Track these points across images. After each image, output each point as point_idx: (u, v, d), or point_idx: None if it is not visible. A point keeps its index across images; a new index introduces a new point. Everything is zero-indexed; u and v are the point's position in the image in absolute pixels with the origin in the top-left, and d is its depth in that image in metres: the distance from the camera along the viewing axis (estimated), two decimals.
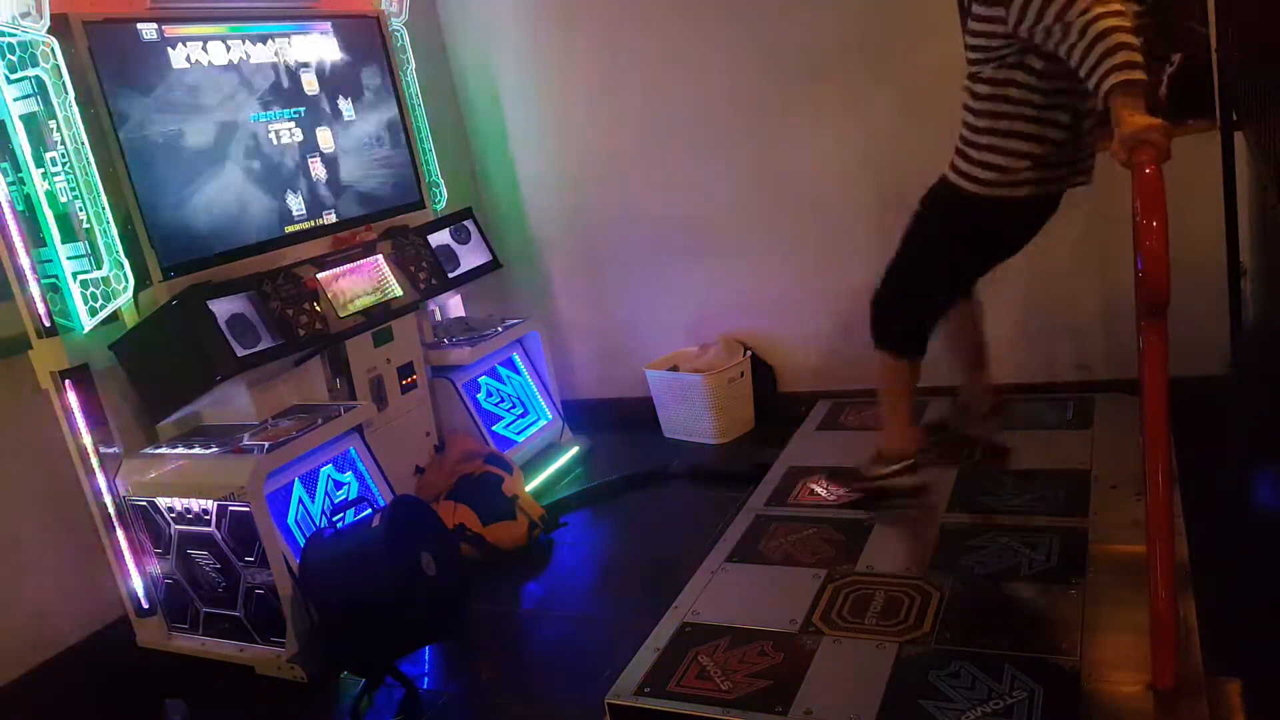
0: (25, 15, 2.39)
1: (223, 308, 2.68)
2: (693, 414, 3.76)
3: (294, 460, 2.75)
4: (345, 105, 3.34)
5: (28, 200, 2.45)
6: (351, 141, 3.35)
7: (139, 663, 2.79)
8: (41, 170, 2.44)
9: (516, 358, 3.86)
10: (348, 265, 3.11)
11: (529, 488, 3.42)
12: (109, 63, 2.60)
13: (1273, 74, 2.11)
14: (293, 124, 3.13)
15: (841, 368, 3.68)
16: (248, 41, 3.01)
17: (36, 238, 2.47)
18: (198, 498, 2.62)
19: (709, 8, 3.56)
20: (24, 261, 2.45)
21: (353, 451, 3.00)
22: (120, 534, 2.70)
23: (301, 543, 2.63)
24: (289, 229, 3.09)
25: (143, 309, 2.67)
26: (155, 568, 2.76)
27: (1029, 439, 2.94)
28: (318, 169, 3.21)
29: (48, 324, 2.50)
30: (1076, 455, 2.80)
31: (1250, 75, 2.44)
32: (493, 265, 3.69)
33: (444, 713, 2.43)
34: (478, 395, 3.62)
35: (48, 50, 2.41)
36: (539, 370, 3.89)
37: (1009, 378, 3.40)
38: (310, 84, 3.21)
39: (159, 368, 2.67)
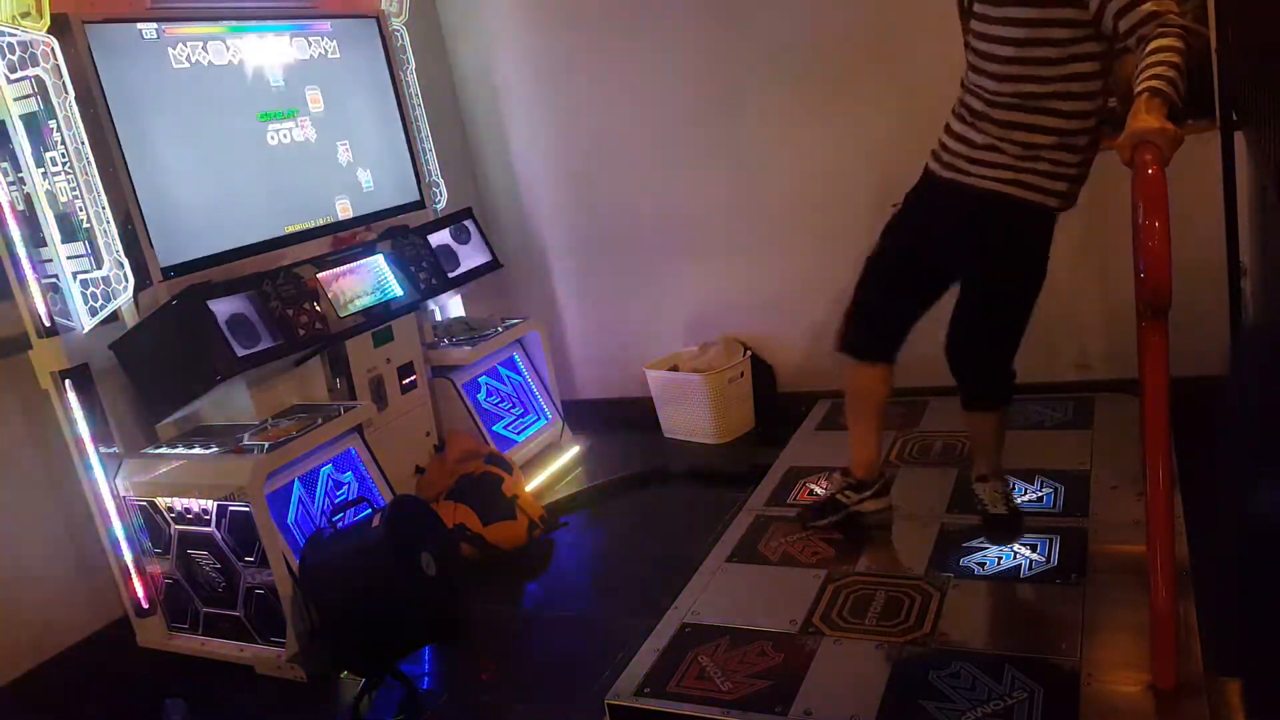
0: (25, 15, 2.39)
1: (223, 308, 2.68)
2: (693, 414, 3.76)
3: (294, 460, 2.75)
4: (345, 105, 3.34)
5: (28, 200, 2.45)
6: (351, 141, 3.35)
7: (139, 663, 2.79)
8: (41, 170, 2.44)
9: (516, 358, 3.86)
10: (348, 265, 3.11)
11: (529, 488, 3.42)
12: (109, 63, 2.59)
13: (1273, 74, 2.11)
14: (292, 124, 3.13)
15: (841, 368, 3.67)
16: (248, 41, 3.01)
17: (36, 238, 2.47)
18: (198, 498, 2.62)
19: (709, 8, 3.56)
20: (24, 261, 2.45)
21: (353, 451, 2.99)
22: (120, 534, 2.70)
23: (301, 543, 2.63)
24: (289, 229, 3.09)
25: (143, 309, 2.67)
26: (155, 567, 2.76)
27: (1029, 439, 2.94)
28: (317, 168, 3.21)
29: (48, 324, 2.50)
30: (1076, 455, 2.80)
31: (1250, 75, 2.44)
32: (493, 265, 3.69)
33: (444, 713, 2.43)
34: (478, 395, 3.62)
35: (48, 50, 2.41)
36: (539, 370, 3.89)
37: None
38: (310, 84, 3.21)
39: (159, 368, 2.67)
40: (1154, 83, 1.75)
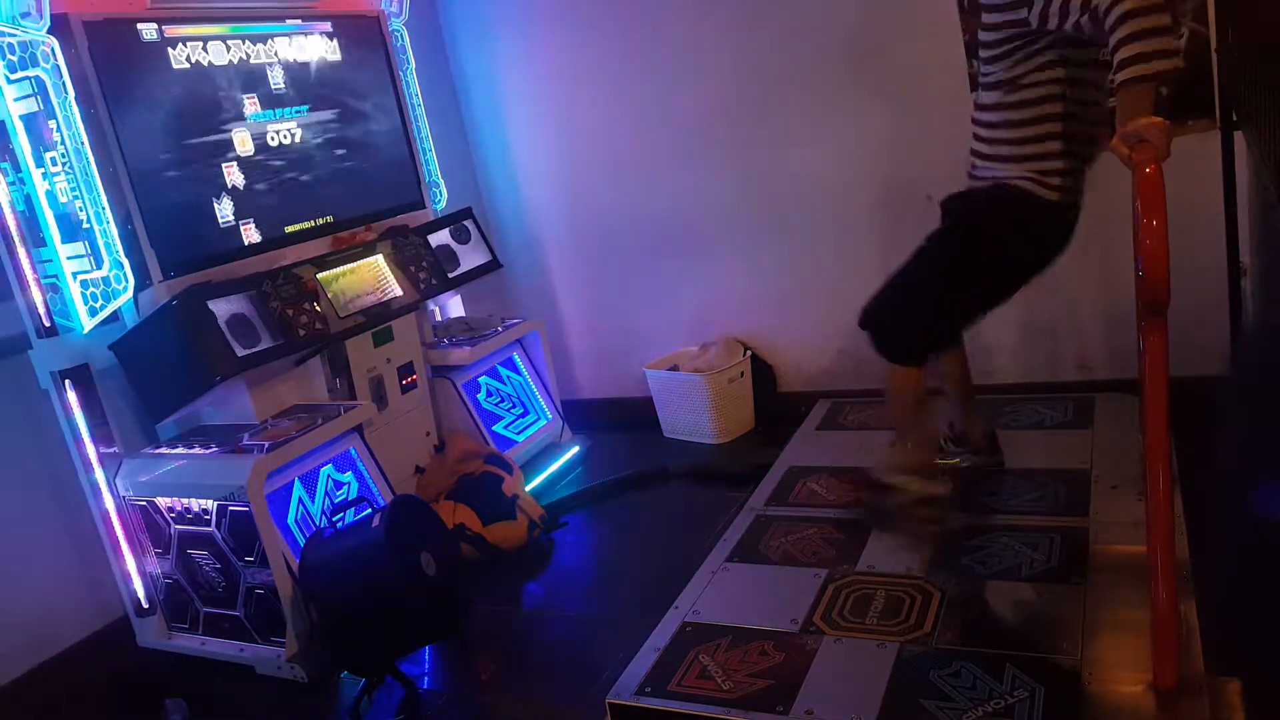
0: (25, 15, 2.39)
1: (223, 308, 2.67)
2: (693, 414, 3.76)
3: (294, 460, 2.75)
4: (345, 105, 3.34)
5: (28, 200, 2.45)
6: (351, 141, 3.35)
7: (139, 663, 2.80)
8: (41, 170, 2.44)
9: (516, 358, 3.86)
10: (348, 265, 3.11)
11: (529, 488, 3.42)
12: (109, 63, 2.59)
13: (1273, 74, 2.11)
14: (293, 124, 3.13)
15: (841, 368, 3.68)
16: (248, 41, 3.01)
17: (36, 238, 2.47)
18: (198, 498, 2.62)
19: (710, 8, 3.56)
20: (24, 261, 2.45)
21: (353, 451, 2.99)
22: (120, 534, 2.70)
23: (301, 543, 2.63)
24: (289, 229, 3.09)
25: (143, 309, 2.67)
26: (155, 568, 2.76)
27: (1029, 439, 2.95)
28: (317, 169, 3.21)
29: (48, 324, 2.50)
30: (1076, 455, 2.80)
31: (1250, 75, 2.44)
32: (493, 265, 3.69)
33: (444, 713, 2.43)
34: (478, 395, 3.62)
35: (48, 50, 2.41)
36: (539, 370, 3.89)
37: (1010, 378, 3.41)
38: (310, 84, 3.21)
39: (159, 368, 2.67)
40: (1131, 71, 1.72)
